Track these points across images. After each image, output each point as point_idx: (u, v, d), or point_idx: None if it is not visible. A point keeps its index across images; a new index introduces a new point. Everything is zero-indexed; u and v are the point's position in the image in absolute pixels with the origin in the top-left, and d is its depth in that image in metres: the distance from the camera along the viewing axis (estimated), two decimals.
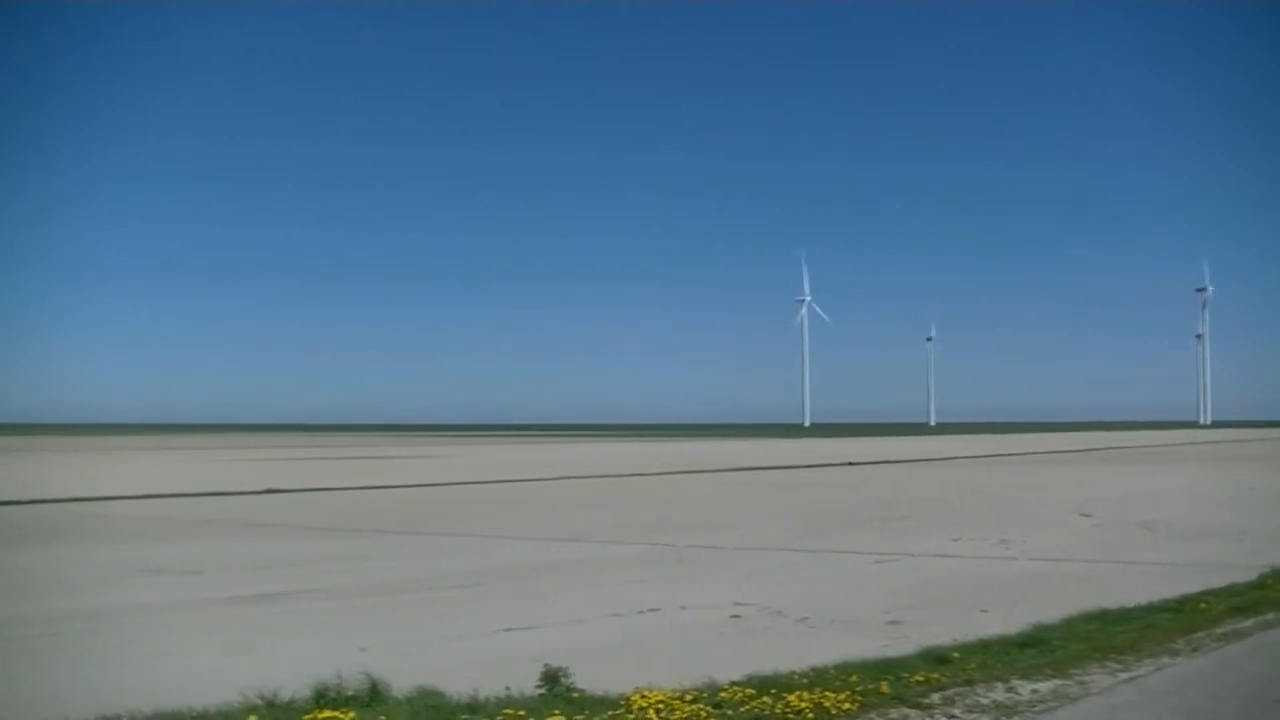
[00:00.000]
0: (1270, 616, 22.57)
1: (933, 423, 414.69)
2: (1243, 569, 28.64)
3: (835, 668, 16.84)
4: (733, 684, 15.70)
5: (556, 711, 14.37)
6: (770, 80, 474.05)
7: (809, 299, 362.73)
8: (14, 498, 59.22)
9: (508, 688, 15.30)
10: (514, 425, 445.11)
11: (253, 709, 14.57)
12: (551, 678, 15.56)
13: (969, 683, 16.66)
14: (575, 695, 15.15)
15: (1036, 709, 15.66)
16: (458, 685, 15.46)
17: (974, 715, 15.37)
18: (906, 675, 16.63)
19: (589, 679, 15.68)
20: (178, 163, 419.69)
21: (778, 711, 14.75)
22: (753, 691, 15.28)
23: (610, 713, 14.41)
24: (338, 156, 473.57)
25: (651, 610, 24.58)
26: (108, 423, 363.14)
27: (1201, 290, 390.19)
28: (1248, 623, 21.95)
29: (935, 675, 16.75)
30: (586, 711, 14.46)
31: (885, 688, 15.93)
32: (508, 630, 22.33)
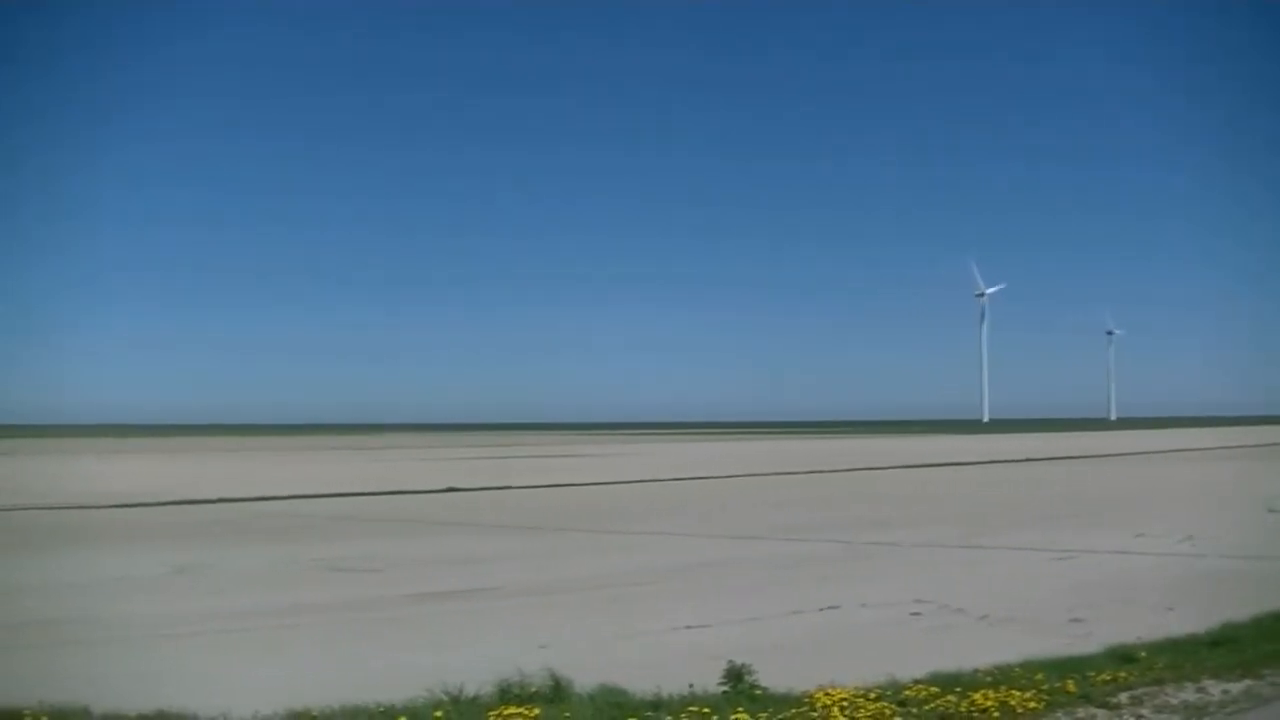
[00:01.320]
0: None
1: (1113, 417, 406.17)
2: None
3: (1019, 666, 16.68)
4: (916, 682, 15.65)
5: (740, 709, 14.42)
6: (939, 91, 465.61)
7: (987, 293, 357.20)
8: (197, 497, 61.02)
9: (690, 685, 15.39)
10: (673, 424, 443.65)
11: (438, 704, 14.83)
12: (735, 675, 15.61)
13: (1157, 682, 16.38)
14: (758, 693, 15.20)
15: (1228, 709, 15.36)
16: (639, 682, 15.60)
17: (1163, 715, 15.12)
18: (1092, 674, 16.40)
19: (771, 676, 15.72)
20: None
21: (963, 710, 14.66)
22: (937, 690, 15.21)
23: (794, 710, 14.43)
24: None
25: (831, 607, 24.56)
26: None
27: None
28: None
29: (1122, 674, 16.50)
30: (770, 709, 14.49)
31: (1071, 686, 15.74)
32: (688, 627, 22.46)
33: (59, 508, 55.60)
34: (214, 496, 60.99)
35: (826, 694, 14.75)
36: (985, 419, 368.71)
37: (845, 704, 14.47)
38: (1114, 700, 15.50)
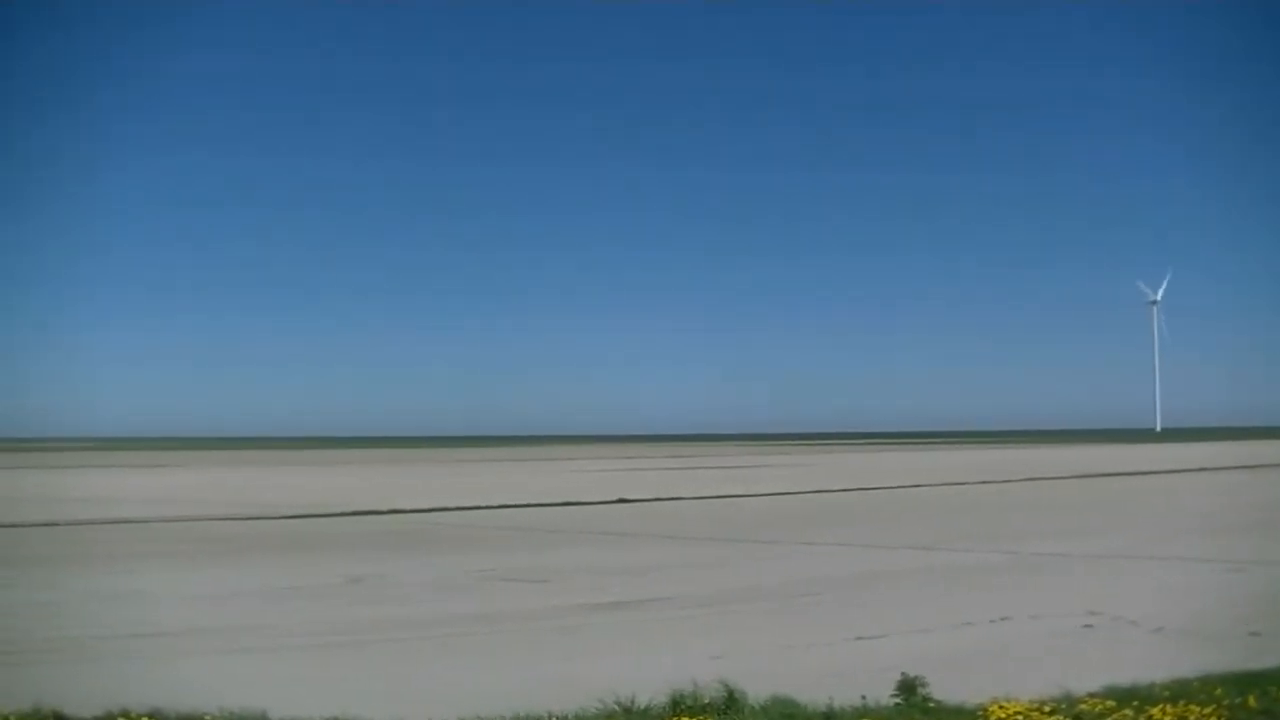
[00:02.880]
0: None
1: None
2: None
3: (1198, 680, 16.41)
4: (1091, 695, 15.48)
5: None
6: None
7: (1159, 301, 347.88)
8: (371, 508, 62.25)
9: (863, 697, 15.41)
10: (840, 434, 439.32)
11: (610, 715, 15.04)
12: (908, 687, 15.58)
13: None
14: (931, 705, 15.16)
15: None
16: (811, 693, 15.67)
17: None
18: (1274, 689, 16.05)
19: (943, 688, 15.66)
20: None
21: None
22: (1113, 704, 15.03)
23: None
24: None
25: (1002, 619, 24.39)
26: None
27: None
28: None
29: None
30: None
31: (1253, 702, 15.42)
32: (858, 638, 22.48)
33: (229, 519, 57.38)
34: (385, 508, 62.10)
35: (1000, 707, 14.70)
36: (1158, 428, 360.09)
37: (1020, 718, 14.39)
38: None
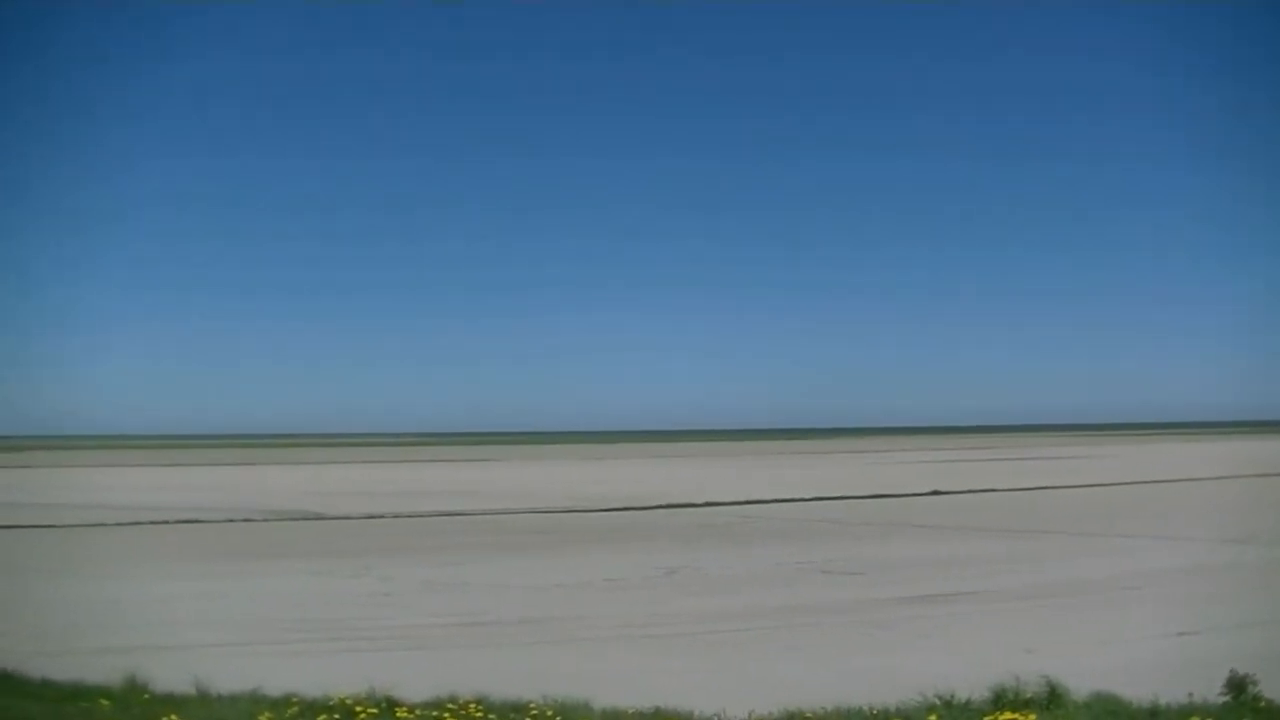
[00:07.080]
0: None
1: None
2: None
3: None
4: None
5: None
6: None
7: None
8: (686, 500, 63.28)
9: (1190, 694, 15.15)
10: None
11: (931, 708, 15.05)
12: (1237, 685, 15.23)
13: None
14: (1263, 704, 14.80)
15: None
16: (1133, 689, 15.42)
17: None
18: None
19: (1275, 688, 15.31)
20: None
21: None
22: None
23: None
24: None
25: None
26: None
27: None
28: None
29: None
30: None
31: None
32: (1180, 634, 22.04)
33: (543, 512, 59.17)
34: (699, 500, 62.93)
35: None
36: None
37: None
38: None
